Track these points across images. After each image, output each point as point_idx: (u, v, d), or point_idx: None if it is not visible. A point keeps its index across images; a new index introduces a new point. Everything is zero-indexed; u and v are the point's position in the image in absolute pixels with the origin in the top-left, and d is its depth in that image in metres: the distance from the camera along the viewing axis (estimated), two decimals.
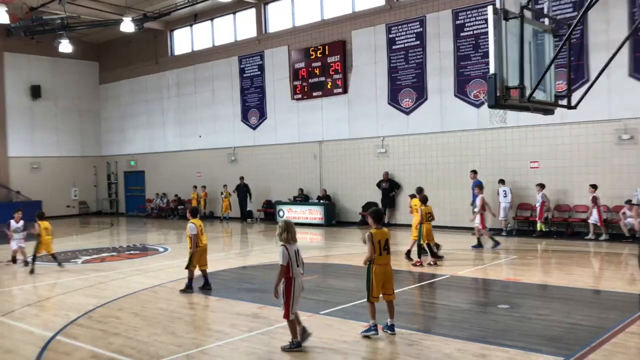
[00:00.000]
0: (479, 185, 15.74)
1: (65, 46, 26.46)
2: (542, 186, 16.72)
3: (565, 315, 8.32)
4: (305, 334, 7.04)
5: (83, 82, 32.49)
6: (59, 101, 31.43)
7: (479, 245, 14.99)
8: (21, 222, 14.27)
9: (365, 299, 7.49)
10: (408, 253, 13.25)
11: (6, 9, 21.07)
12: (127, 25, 23.95)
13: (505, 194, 17.60)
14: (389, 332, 7.46)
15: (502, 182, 17.80)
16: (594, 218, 15.98)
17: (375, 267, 7.33)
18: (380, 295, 7.42)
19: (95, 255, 15.92)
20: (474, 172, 18.29)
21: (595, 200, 15.91)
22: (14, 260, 14.32)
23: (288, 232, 6.98)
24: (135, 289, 10.91)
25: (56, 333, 8.03)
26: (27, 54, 29.86)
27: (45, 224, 13.59)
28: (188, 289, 10.40)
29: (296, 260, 6.94)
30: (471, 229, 16.20)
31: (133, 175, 31.76)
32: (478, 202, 14.86)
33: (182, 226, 23.90)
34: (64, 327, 8.35)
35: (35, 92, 30.26)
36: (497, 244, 14.73)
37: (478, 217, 14.81)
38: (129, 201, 32.29)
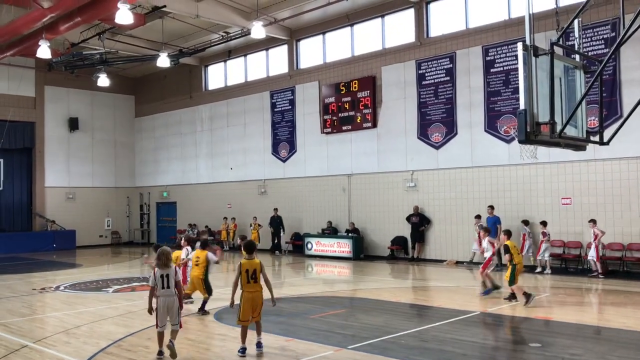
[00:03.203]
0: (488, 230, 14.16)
1: (103, 80, 27.27)
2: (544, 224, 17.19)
3: (600, 355, 8.11)
4: (170, 348, 7.92)
5: (119, 115, 33.38)
6: (96, 133, 32.31)
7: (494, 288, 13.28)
8: None
9: None
10: None
11: (48, 44, 21.91)
12: (163, 61, 24.62)
13: (530, 235, 17.65)
14: (257, 349, 8.37)
15: (526, 222, 17.82)
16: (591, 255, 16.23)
17: (244, 293, 8.24)
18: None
19: (126, 285, 16.12)
20: (491, 207, 18.36)
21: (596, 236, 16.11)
22: None
23: (158, 259, 8.17)
24: None
25: None
26: (67, 87, 30.87)
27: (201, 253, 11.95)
28: None
29: (162, 283, 8.04)
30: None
31: (165, 206, 32.24)
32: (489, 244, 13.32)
33: None
34: (94, 355, 8.45)
35: (73, 124, 31.16)
36: (490, 290, 13.13)
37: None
38: (160, 232, 32.69)
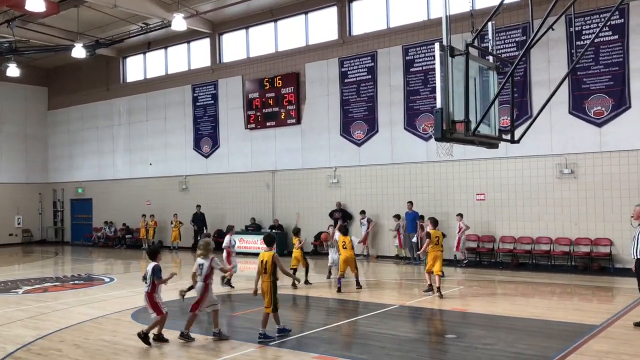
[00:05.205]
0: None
1: (12, 70, 25.84)
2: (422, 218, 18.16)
3: (510, 344, 8.51)
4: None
5: (30, 107, 31.68)
6: (4, 126, 30.52)
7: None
8: None
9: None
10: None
11: None
12: (79, 51, 23.62)
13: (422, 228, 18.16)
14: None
15: (421, 217, 18.24)
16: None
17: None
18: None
19: (38, 285, 15.37)
20: (411, 203, 19.06)
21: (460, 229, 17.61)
22: None
23: (198, 249, 9.64)
24: (78, 320, 10.57)
25: None
26: None
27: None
28: None
29: (199, 270, 9.34)
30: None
31: (80, 203, 30.95)
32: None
33: (130, 256, 23.45)
34: None
35: None
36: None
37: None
38: (75, 230, 31.38)
